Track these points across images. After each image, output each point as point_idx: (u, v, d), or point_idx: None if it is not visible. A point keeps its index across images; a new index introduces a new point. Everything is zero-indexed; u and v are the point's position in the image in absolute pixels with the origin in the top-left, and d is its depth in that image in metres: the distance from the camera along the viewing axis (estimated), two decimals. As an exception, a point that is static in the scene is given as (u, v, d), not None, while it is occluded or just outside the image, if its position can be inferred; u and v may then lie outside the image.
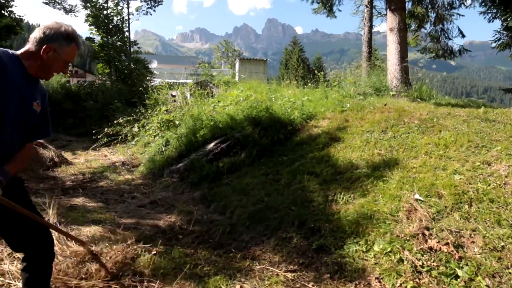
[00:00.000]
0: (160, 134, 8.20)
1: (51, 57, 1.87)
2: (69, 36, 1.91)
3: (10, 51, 1.83)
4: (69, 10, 21.06)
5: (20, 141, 1.91)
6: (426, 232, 2.89)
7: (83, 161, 8.17)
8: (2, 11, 13.67)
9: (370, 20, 12.54)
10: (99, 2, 20.46)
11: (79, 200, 5.07)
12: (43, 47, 1.84)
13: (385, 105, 5.68)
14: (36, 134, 2.08)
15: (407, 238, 2.88)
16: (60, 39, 1.88)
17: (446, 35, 11.23)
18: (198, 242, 3.73)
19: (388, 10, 8.09)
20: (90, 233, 3.68)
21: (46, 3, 20.45)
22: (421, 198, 3.29)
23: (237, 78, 14.51)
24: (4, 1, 13.43)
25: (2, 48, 1.79)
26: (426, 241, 2.83)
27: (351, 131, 5.03)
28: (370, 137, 4.68)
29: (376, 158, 4.20)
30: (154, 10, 22.36)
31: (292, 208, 3.77)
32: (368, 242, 3.01)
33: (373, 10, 12.98)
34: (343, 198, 3.72)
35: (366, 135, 4.78)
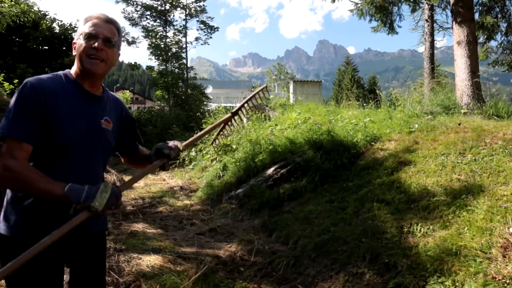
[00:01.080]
0: (217, 158, 8.24)
1: (76, 48, 1.58)
2: (86, 18, 1.63)
3: (57, 73, 1.62)
4: (132, 42, 22.49)
5: (102, 164, 1.75)
6: (531, 274, 2.46)
7: (143, 185, 8.39)
8: (69, 52, 14.97)
9: (432, 35, 11.93)
10: (159, 33, 21.71)
11: (139, 226, 5.12)
12: (72, 47, 1.65)
13: (459, 124, 5.18)
14: (133, 144, 2.00)
15: (507, 281, 2.46)
16: (79, 28, 1.63)
17: (520, 46, 10.33)
18: (261, 275, 3.53)
19: (454, 22, 7.60)
20: (150, 262, 3.63)
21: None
22: (518, 232, 2.84)
23: (291, 101, 14.41)
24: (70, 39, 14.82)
25: (44, 75, 1.55)
26: (532, 285, 2.40)
27: (423, 154, 4.61)
28: (446, 161, 4.24)
29: (456, 184, 3.76)
30: (210, 37, 23.27)
31: (363, 240, 3.45)
32: (457, 284, 2.61)
33: (434, 24, 12.36)
34: (420, 230, 3.33)
35: (440, 158, 4.34)
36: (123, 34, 2.06)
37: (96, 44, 1.54)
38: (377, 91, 8.20)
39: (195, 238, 4.77)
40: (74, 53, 1.59)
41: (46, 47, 13.69)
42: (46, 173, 1.43)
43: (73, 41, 1.62)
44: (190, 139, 2.10)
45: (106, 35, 1.57)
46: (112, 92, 1.86)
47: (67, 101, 1.53)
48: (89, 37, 1.55)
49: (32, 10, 12.53)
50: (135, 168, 2.22)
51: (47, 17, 13.90)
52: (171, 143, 1.84)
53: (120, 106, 1.86)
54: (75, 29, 14.66)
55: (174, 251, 4.11)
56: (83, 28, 1.58)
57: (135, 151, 2.00)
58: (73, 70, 1.63)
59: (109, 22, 1.63)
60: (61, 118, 1.48)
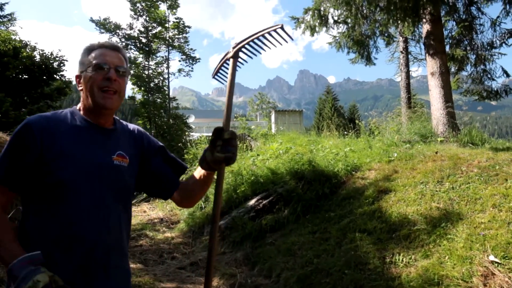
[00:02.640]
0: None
1: (83, 82, 1.43)
2: (88, 47, 1.47)
3: (63, 110, 1.47)
4: (115, 73, 22.49)
5: (123, 208, 1.45)
6: (512, 303, 2.47)
7: (124, 218, 8.16)
8: (55, 75, 14.80)
9: (407, 65, 12.42)
10: (142, 63, 21.86)
11: (118, 261, 4.94)
12: (76, 81, 1.49)
13: (436, 153, 5.31)
14: (173, 174, 1.63)
15: (489, 311, 2.46)
16: (81, 59, 1.47)
17: (489, 76, 10.78)
18: (244, 311, 3.43)
19: (427, 54, 7.93)
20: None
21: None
22: (497, 260, 2.86)
23: (273, 130, 14.53)
24: (56, 67, 14.57)
25: (50, 112, 1.42)
26: (514, 314, 2.40)
27: (402, 182, 4.67)
28: (425, 189, 4.31)
29: (435, 213, 3.81)
30: (192, 70, 23.53)
31: (346, 271, 3.42)
32: (440, 314, 2.61)
33: (409, 56, 12.87)
34: (402, 260, 3.33)
35: (420, 186, 4.41)
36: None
37: (109, 75, 1.39)
38: (357, 121, 8.36)
39: (175, 273, 4.64)
40: (79, 88, 1.45)
41: (26, 76, 13.53)
42: (46, 219, 1.27)
43: (76, 74, 1.48)
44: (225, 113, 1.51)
45: (116, 64, 1.43)
46: (128, 123, 1.64)
47: (70, 138, 1.35)
48: (99, 68, 1.40)
49: (13, 39, 12.49)
50: (198, 198, 1.73)
51: (28, 46, 13.85)
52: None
53: (139, 136, 1.60)
54: (57, 58, 14.59)
55: (154, 287, 3.98)
56: (89, 58, 1.43)
57: (177, 186, 1.63)
58: (80, 105, 1.47)
59: (116, 49, 1.49)
60: (60, 157, 1.30)
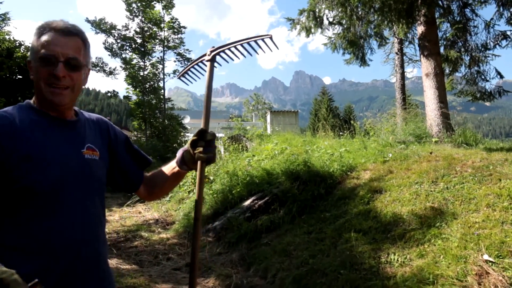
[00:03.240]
0: (194, 190, 8.11)
1: (33, 71, 1.23)
2: (38, 28, 1.24)
3: (19, 104, 1.25)
4: (110, 73, 22.44)
5: (100, 204, 1.34)
6: (506, 302, 2.48)
7: (118, 218, 8.13)
8: None
9: (402, 66, 12.48)
10: (137, 64, 21.82)
11: (112, 262, 4.92)
12: (28, 67, 1.28)
13: (430, 153, 5.33)
14: (137, 168, 1.55)
15: (483, 310, 2.47)
16: (32, 42, 1.25)
17: (483, 77, 10.87)
18: (240, 312, 3.43)
19: (422, 56, 7.98)
20: (124, 302, 3.46)
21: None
22: (491, 259, 2.88)
23: (269, 131, 14.54)
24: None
25: (5, 108, 1.21)
26: (508, 313, 2.41)
27: (397, 183, 4.69)
28: (420, 189, 4.33)
29: (430, 213, 3.83)
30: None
31: (341, 271, 3.42)
32: (435, 314, 2.61)
33: (404, 57, 12.94)
34: (397, 260, 3.34)
35: (414, 187, 4.43)
36: (90, 50, 1.33)
37: (56, 72, 1.17)
38: (352, 122, 8.39)
39: (171, 274, 4.61)
40: (31, 75, 1.24)
41: (20, 76, 13.40)
42: (26, 230, 1.11)
43: (28, 59, 1.26)
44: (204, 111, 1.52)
45: (68, 55, 1.20)
46: (90, 113, 1.47)
47: (31, 136, 1.15)
48: (45, 60, 1.18)
49: (6, 39, 12.40)
50: (164, 194, 1.74)
51: (22, 46, 13.77)
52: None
53: (104, 126, 1.46)
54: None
55: (149, 288, 3.96)
56: (37, 45, 1.21)
57: (141, 180, 1.56)
58: (35, 96, 1.27)
59: (71, 34, 1.24)
60: (24, 161, 1.11)
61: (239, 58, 1.57)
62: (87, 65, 1.31)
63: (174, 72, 23.34)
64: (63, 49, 1.20)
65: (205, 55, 1.57)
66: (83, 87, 1.34)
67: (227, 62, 1.60)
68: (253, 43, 1.53)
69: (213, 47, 1.55)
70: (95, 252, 1.25)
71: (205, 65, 1.57)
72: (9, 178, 1.09)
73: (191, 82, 1.75)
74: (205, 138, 1.41)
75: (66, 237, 1.16)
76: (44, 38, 1.20)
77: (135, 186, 1.55)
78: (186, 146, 1.47)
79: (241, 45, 1.52)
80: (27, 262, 1.08)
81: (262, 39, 1.49)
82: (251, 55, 1.57)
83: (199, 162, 1.42)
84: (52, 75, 1.18)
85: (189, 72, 1.70)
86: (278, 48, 1.53)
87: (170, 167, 1.55)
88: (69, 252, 1.16)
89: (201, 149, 1.39)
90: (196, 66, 1.67)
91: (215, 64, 1.56)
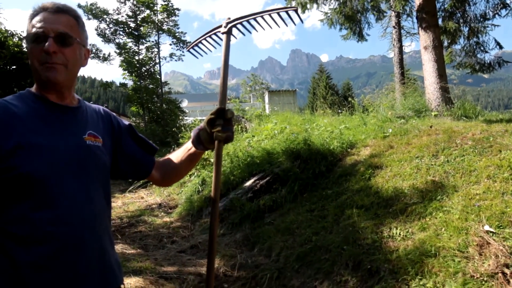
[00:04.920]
0: (195, 173, 8.14)
1: (28, 54, 1.21)
2: (31, 13, 1.22)
3: (22, 91, 1.24)
4: (104, 59, 22.18)
5: (103, 191, 1.29)
6: (507, 271, 2.51)
7: (121, 204, 8.20)
8: None
9: (400, 40, 12.33)
10: (132, 49, 21.55)
11: (118, 248, 4.98)
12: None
13: (430, 127, 5.33)
14: (145, 154, 1.51)
15: (485, 279, 2.51)
16: (26, 27, 1.23)
17: (482, 48, 10.75)
18: (246, 290, 3.49)
19: (420, 28, 7.86)
20: (131, 285, 3.52)
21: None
22: (492, 230, 2.91)
23: (267, 111, 14.49)
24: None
25: (7, 97, 1.20)
26: (509, 281, 2.45)
27: (398, 157, 4.70)
28: (421, 163, 4.34)
29: (431, 186, 3.85)
30: (183, 54, 23.26)
31: (344, 247, 3.46)
32: (438, 285, 2.65)
33: (401, 31, 12.77)
34: (400, 234, 3.37)
35: (415, 161, 4.44)
36: (85, 29, 1.29)
37: (46, 47, 1.14)
38: (349, 99, 8.35)
39: (176, 256, 4.68)
40: (28, 62, 1.23)
41: (14, 67, 13.24)
42: (28, 219, 1.07)
43: (26, 46, 1.23)
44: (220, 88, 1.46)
45: (58, 30, 1.17)
46: (91, 103, 1.45)
47: (30, 123, 1.13)
48: (36, 38, 1.16)
49: (-1, 29, 12.21)
50: (180, 178, 1.67)
51: (15, 35, 13.56)
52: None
53: (107, 116, 1.44)
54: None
55: (155, 271, 4.01)
56: (29, 27, 1.19)
57: (152, 164, 1.52)
58: (35, 84, 1.25)
59: (61, 11, 1.21)
60: (21, 148, 1.07)
61: (257, 31, 1.49)
62: (83, 44, 1.27)
63: (171, 55, 23.06)
64: (53, 25, 1.17)
65: (220, 26, 1.49)
66: (81, 67, 1.30)
67: (244, 35, 1.52)
68: (275, 15, 1.44)
69: (229, 18, 1.47)
70: (98, 242, 1.22)
71: (219, 38, 1.49)
72: (6, 165, 1.06)
73: (201, 55, 1.66)
74: (225, 116, 1.37)
75: (69, 225, 1.12)
76: (36, 19, 1.19)
77: (147, 171, 1.51)
78: (203, 124, 1.43)
79: (262, 17, 1.44)
80: (29, 250, 1.06)
81: (286, 11, 1.41)
82: (271, 27, 1.49)
83: (216, 142, 1.38)
84: (44, 51, 1.15)
85: (199, 44, 1.62)
86: (302, 22, 1.47)
87: (185, 149, 1.52)
88: (72, 241, 1.13)
89: (219, 128, 1.36)
90: (208, 38, 1.59)
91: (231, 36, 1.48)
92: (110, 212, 1.37)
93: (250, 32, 1.51)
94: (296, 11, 1.41)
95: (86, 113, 1.33)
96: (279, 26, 1.49)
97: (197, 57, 1.69)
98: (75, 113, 1.27)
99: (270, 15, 1.43)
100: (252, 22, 1.46)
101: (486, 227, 2.94)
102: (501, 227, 2.90)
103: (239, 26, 1.47)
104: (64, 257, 1.11)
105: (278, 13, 1.43)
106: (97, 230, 1.22)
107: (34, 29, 1.17)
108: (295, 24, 1.47)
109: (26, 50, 1.30)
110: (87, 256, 1.16)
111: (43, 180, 1.09)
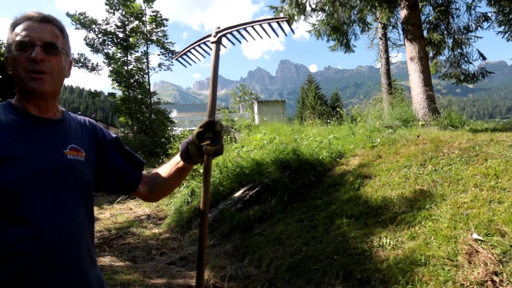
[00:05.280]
0: (185, 184, 8.08)
1: (11, 63, 1.18)
2: (12, 22, 1.21)
3: (1, 103, 1.21)
4: (92, 69, 22.04)
5: (84, 207, 1.24)
6: (496, 278, 2.54)
7: (109, 215, 8.06)
8: None
9: (386, 51, 12.54)
10: (121, 59, 21.47)
11: (105, 260, 4.89)
12: (6, 65, 1.23)
13: (418, 136, 5.39)
14: (131, 168, 1.45)
15: (474, 287, 2.53)
16: (7, 37, 1.21)
17: (466, 59, 10.98)
18: (236, 302, 3.44)
19: (406, 40, 8.01)
20: (119, 299, 3.45)
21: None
22: (480, 238, 2.94)
23: (256, 121, 14.53)
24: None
25: None
26: (498, 289, 2.47)
27: (386, 167, 4.74)
28: (409, 172, 4.38)
29: (419, 195, 3.88)
30: (172, 64, 23.26)
31: (335, 257, 3.45)
32: (428, 294, 2.66)
33: (388, 42, 13.00)
34: (389, 243, 3.38)
35: (403, 170, 4.48)
36: (69, 40, 1.28)
37: (33, 55, 1.12)
38: (338, 109, 8.42)
39: (165, 268, 4.60)
40: (9, 71, 1.20)
41: (0, 76, 13.03)
42: (4, 236, 1.02)
43: (5, 55, 1.21)
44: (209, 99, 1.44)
45: (45, 39, 1.16)
46: (76, 115, 1.40)
47: (8, 136, 1.08)
48: (22, 46, 1.14)
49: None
50: (168, 193, 1.64)
51: (2, 44, 13.39)
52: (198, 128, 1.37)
53: (92, 128, 1.39)
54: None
55: (144, 284, 3.94)
56: (12, 36, 1.17)
57: (139, 178, 1.47)
58: (16, 95, 1.21)
59: (47, 21, 1.20)
60: (4, 159, 1.04)
61: (247, 41, 1.47)
62: (67, 54, 1.25)
63: (159, 65, 23.04)
64: (39, 34, 1.16)
65: (209, 36, 1.47)
66: (66, 78, 1.29)
67: (234, 44, 1.49)
68: (265, 26, 1.42)
69: (218, 27, 1.44)
70: (76, 260, 1.15)
71: (208, 47, 1.47)
72: None
73: (190, 64, 1.63)
74: (214, 129, 1.33)
75: (44, 242, 1.06)
76: (19, 27, 1.17)
77: (133, 186, 1.45)
78: (190, 137, 1.39)
79: (252, 27, 1.42)
80: (1, 268, 1.01)
81: (278, 22, 1.40)
82: (261, 38, 1.47)
83: (205, 155, 1.34)
84: (30, 60, 1.13)
85: (188, 53, 1.59)
86: (293, 32, 1.46)
87: (173, 163, 1.47)
88: (47, 258, 1.07)
89: (208, 141, 1.32)
90: (197, 47, 1.56)
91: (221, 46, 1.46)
92: (92, 228, 1.30)
93: (240, 42, 1.50)
94: (287, 21, 1.40)
95: (69, 125, 1.28)
96: (269, 37, 1.48)
97: (185, 66, 1.67)
98: (57, 126, 1.22)
99: (261, 25, 1.42)
100: (242, 32, 1.45)
101: (475, 235, 2.97)
102: (489, 235, 2.93)
103: (229, 35, 1.45)
104: (38, 275, 1.05)
105: (269, 24, 1.42)
106: (75, 247, 1.15)
107: (18, 37, 1.14)
108: (286, 35, 1.46)
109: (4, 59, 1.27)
110: (62, 274, 1.10)
111: (17, 195, 1.04)
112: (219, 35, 1.43)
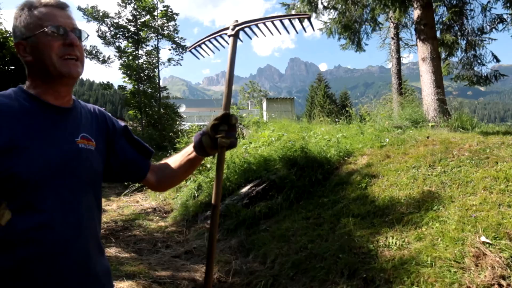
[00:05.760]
0: (192, 178, 8.11)
1: (32, 51, 1.15)
2: (26, 6, 1.17)
3: (9, 90, 1.18)
4: (103, 61, 22.18)
5: (93, 196, 1.25)
6: (503, 282, 2.51)
7: (116, 207, 8.13)
8: None
9: (398, 52, 12.42)
10: (132, 53, 21.58)
11: (111, 251, 4.94)
12: (17, 49, 1.19)
13: (427, 137, 5.34)
14: (140, 157, 1.46)
15: (481, 290, 2.50)
16: (21, 21, 1.16)
17: (479, 61, 10.83)
18: (240, 297, 3.45)
19: (418, 40, 7.92)
20: (124, 289, 3.48)
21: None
22: (488, 241, 2.91)
23: (265, 118, 14.51)
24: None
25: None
26: (505, 293, 2.44)
27: (395, 167, 4.70)
28: (417, 173, 4.34)
29: (428, 196, 3.85)
30: (182, 58, 23.31)
31: (340, 255, 3.44)
32: (433, 295, 2.64)
33: (400, 42, 12.88)
34: (396, 243, 3.36)
35: (412, 171, 4.44)
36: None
37: (70, 39, 1.14)
38: (348, 108, 8.38)
39: (170, 261, 4.63)
40: (26, 58, 1.16)
41: (13, 67, 13.19)
42: (12, 222, 1.02)
43: (16, 41, 1.18)
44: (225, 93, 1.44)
45: (73, 25, 1.18)
46: (86, 103, 1.40)
47: (20, 124, 1.08)
48: (55, 33, 1.13)
49: (-1, 29, 12.18)
50: (178, 183, 1.64)
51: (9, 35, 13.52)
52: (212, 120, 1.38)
53: (102, 116, 1.38)
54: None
55: (149, 275, 3.97)
56: (34, 20, 1.14)
57: (148, 167, 1.47)
58: (30, 81, 1.19)
59: (65, 7, 1.21)
60: (10, 150, 1.03)
61: (265, 36, 1.46)
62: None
63: (169, 60, 23.10)
64: (67, 20, 1.18)
65: (226, 28, 1.46)
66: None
67: (250, 38, 1.48)
68: (285, 21, 1.41)
69: (236, 21, 1.43)
70: (84, 249, 1.16)
71: (223, 39, 1.46)
72: (7, 168, 1.02)
73: (203, 56, 1.62)
74: (229, 122, 1.35)
75: (53, 230, 1.06)
76: (42, 13, 1.15)
77: (141, 175, 1.46)
78: (205, 129, 1.41)
79: (272, 22, 1.41)
80: (9, 255, 1.02)
81: (299, 19, 1.38)
82: (280, 33, 1.45)
83: (219, 147, 1.36)
84: (67, 44, 1.15)
85: (202, 45, 1.59)
86: (314, 30, 1.45)
87: (184, 154, 1.48)
88: (55, 246, 1.07)
89: (223, 133, 1.33)
90: (212, 40, 1.56)
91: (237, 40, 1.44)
92: (100, 217, 1.31)
93: (257, 36, 1.49)
94: (309, 19, 1.39)
95: (81, 114, 1.28)
96: (288, 33, 1.47)
97: (198, 58, 1.66)
98: (69, 114, 1.22)
99: (281, 20, 1.41)
100: (261, 26, 1.43)
101: (483, 238, 2.94)
102: (497, 239, 2.90)
103: (246, 29, 1.44)
104: (46, 263, 1.06)
105: (290, 20, 1.40)
106: (83, 236, 1.16)
107: (49, 23, 1.13)
108: (305, 32, 1.45)
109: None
110: (70, 262, 1.11)
111: (30, 183, 1.04)
112: (237, 28, 1.42)
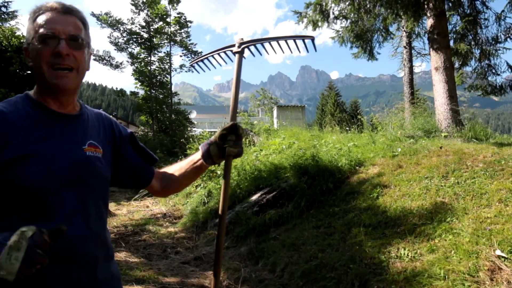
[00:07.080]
0: (202, 184, 8.13)
1: (31, 57, 1.15)
2: (33, 11, 1.15)
3: (16, 97, 1.18)
4: (116, 66, 22.46)
5: (103, 203, 1.26)
6: (519, 298, 2.45)
7: (126, 212, 8.18)
8: None
9: (410, 61, 12.37)
10: (145, 60, 21.84)
11: (121, 255, 4.96)
12: (25, 55, 1.19)
13: (440, 148, 5.28)
14: (145, 164, 1.48)
15: (496, 305, 2.45)
16: (27, 26, 1.16)
17: (494, 71, 10.71)
18: (249, 305, 3.43)
19: (431, 49, 7.87)
20: (133, 295, 3.49)
21: (94, 60, 21.90)
22: (504, 255, 2.85)
23: (275, 125, 14.52)
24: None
25: (1, 102, 1.13)
26: (521, 309, 2.39)
27: (407, 177, 4.65)
28: (430, 184, 4.29)
29: (441, 208, 3.79)
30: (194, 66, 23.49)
31: (351, 266, 3.41)
32: (446, 309, 2.59)
33: (412, 51, 12.81)
34: (408, 255, 3.32)
35: (424, 181, 4.39)
36: (89, 31, 1.26)
37: (58, 49, 1.09)
38: (359, 117, 8.34)
39: (179, 267, 4.64)
40: (29, 63, 1.16)
41: (29, 72, 13.45)
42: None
43: (23, 46, 1.17)
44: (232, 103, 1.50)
45: (70, 32, 1.12)
46: (93, 108, 1.40)
47: (28, 132, 1.07)
48: (45, 39, 1.09)
49: (15, 35, 12.46)
50: (181, 189, 1.71)
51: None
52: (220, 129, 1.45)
53: (108, 122, 1.38)
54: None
55: (158, 281, 3.98)
56: (34, 26, 1.12)
57: (152, 174, 1.49)
58: (36, 87, 1.18)
59: (69, 12, 1.16)
60: (18, 160, 1.03)
61: (268, 54, 1.55)
62: (88, 47, 1.24)
63: (181, 66, 23.31)
64: (64, 27, 1.12)
65: (232, 45, 1.53)
66: (86, 71, 1.26)
67: (254, 55, 1.57)
68: (290, 42, 1.48)
69: (242, 39, 1.49)
70: (92, 255, 1.17)
71: (228, 56, 1.53)
72: (3, 177, 1.02)
73: (203, 71, 1.70)
74: (237, 132, 1.42)
75: (64, 238, 1.02)
76: (42, 18, 1.12)
77: (146, 181, 1.48)
78: (212, 139, 1.47)
79: (277, 41, 1.48)
80: None
81: (303, 40, 1.45)
82: (283, 52, 1.54)
83: (227, 156, 1.43)
84: (55, 54, 1.10)
85: (205, 60, 1.67)
86: (316, 51, 1.51)
87: (190, 161, 1.52)
88: (65, 253, 1.08)
89: (231, 143, 1.41)
90: (218, 54, 1.63)
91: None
92: (106, 225, 1.32)
93: (260, 54, 1.56)
94: (312, 40, 1.45)
95: (88, 120, 1.28)
96: (291, 52, 1.56)
97: (198, 72, 1.73)
98: (76, 122, 1.22)
99: (285, 41, 1.47)
100: (266, 45, 1.51)
101: (498, 252, 2.88)
102: (512, 253, 2.84)
103: (251, 47, 1.51)
104: (56, 268, 1.06)
105: (294, 40, 1.46)
106: (92, 243, 1.17)
107: (42, 30, 1.10)
108: (308, 52, 1.52)
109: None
110: (78, 268, 1.12)
111: (39, 192, 1.05)
112: (243, 46, 1.49)
